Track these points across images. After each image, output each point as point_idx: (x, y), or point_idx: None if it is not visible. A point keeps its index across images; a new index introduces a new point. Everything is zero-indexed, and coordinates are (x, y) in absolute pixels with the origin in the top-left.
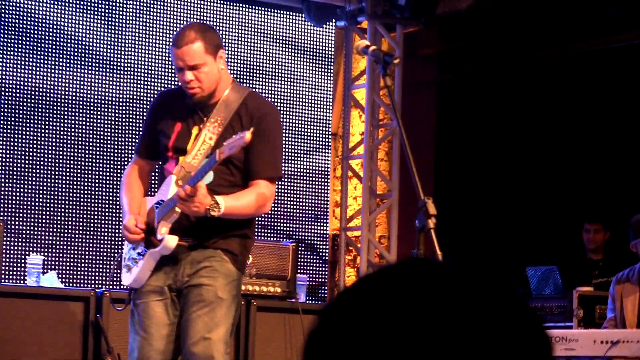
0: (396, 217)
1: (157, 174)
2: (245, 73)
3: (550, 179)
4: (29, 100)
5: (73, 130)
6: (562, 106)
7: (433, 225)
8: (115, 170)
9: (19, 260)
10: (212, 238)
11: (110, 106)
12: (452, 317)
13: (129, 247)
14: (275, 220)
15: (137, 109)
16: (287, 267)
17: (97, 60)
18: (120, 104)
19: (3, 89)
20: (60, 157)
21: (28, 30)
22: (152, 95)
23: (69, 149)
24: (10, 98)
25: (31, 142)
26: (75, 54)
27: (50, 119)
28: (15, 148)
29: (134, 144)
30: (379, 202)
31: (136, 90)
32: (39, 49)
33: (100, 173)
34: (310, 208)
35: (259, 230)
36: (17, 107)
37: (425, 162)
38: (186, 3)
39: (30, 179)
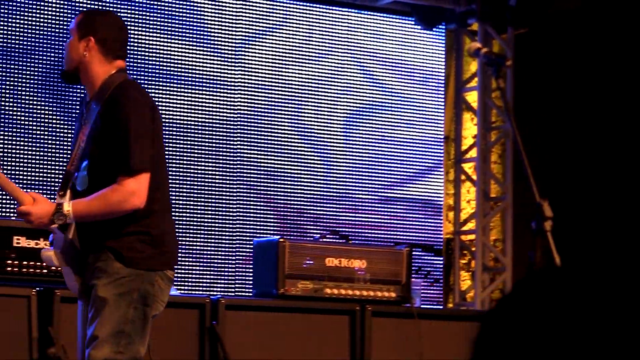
0: (511, 220)
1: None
2: (356, 77)
3: None
4: None
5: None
6: None
7: (550, 228)
8: (227, 169)
9: None
10: (102, 239)
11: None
12: (617, 318)
13: None
14: (389, 225)
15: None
16: (402, 271)
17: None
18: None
19: None
20: (180, 162)
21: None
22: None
23: (182, 154)
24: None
25: None
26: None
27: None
28: None
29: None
30: (493, 205)
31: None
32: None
33: (214, 173)
34: (423, 212)
35: (371, 234)
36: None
37: (534, 165)
38: (294, 9)
39: None
